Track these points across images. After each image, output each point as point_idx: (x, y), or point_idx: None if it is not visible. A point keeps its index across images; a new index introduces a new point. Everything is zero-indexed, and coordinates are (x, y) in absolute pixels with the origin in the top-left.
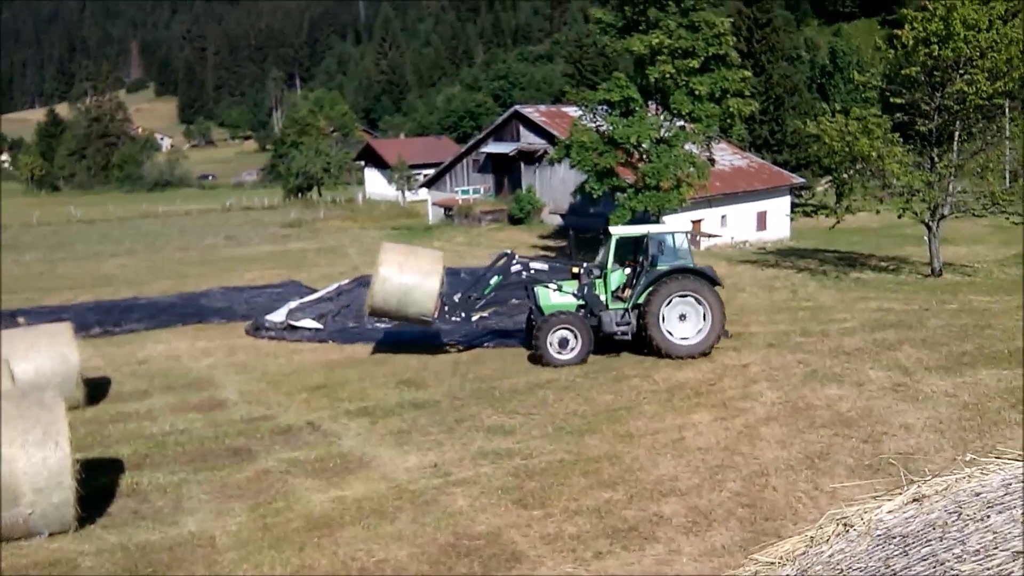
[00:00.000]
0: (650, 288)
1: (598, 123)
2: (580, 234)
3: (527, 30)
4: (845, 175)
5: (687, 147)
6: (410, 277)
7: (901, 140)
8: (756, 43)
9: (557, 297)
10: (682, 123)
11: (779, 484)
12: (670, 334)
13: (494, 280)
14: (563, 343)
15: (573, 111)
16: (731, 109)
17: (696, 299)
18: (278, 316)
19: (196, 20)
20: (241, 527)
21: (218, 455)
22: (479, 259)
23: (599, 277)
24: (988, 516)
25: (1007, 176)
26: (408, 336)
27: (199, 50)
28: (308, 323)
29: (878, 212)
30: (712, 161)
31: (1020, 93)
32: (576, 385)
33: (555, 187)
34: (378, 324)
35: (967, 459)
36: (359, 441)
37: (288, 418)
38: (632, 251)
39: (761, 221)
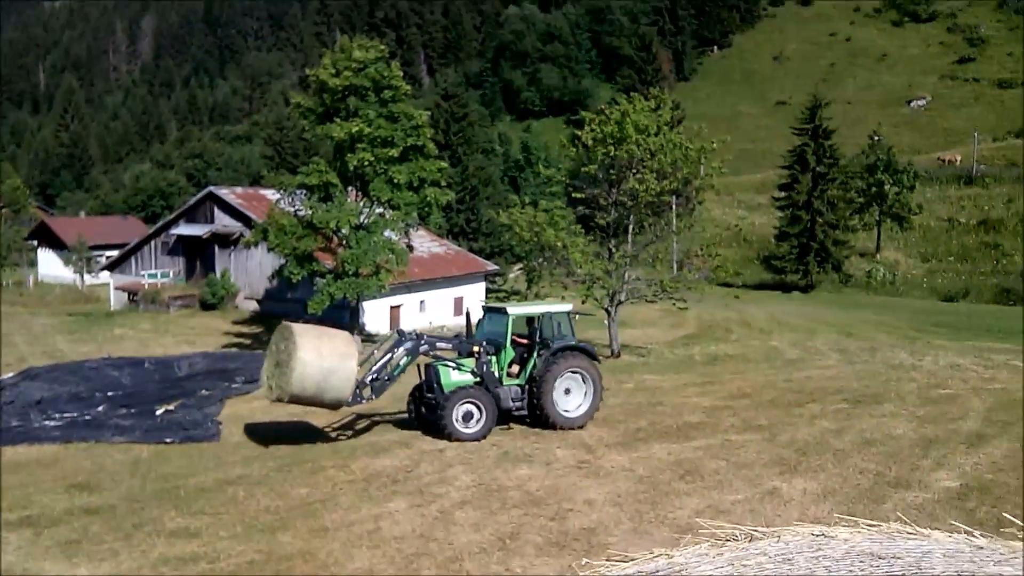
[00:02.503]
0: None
1: (297, 207)
2: (277, 320)
3: (225, 109)
4: (534, 263)
5: (386, 233)
6: (329, 361)
7: (583, 231)
8: (453, 135)
9: (456, 375)
10: (381, 210)
11: (473, 568)
12: (556, 406)
13: (403, 361)
14: (467, 417)
15: (271, 194)
16: (428, 198)
17: (582, 375)
18: None
19: None
20: None
21: None
22: (165, 347)
23: (494, 355)
24: None
25: (674, 266)
26: (78, 435)
27: None
28: None
29: (564, 297)
30: (411, 247)
31: (684, 191)
32: (269, 480)
33: (251, 271)
34: (47, 422)
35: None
36: (20, 556)
37: None
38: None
39: (458, 306)
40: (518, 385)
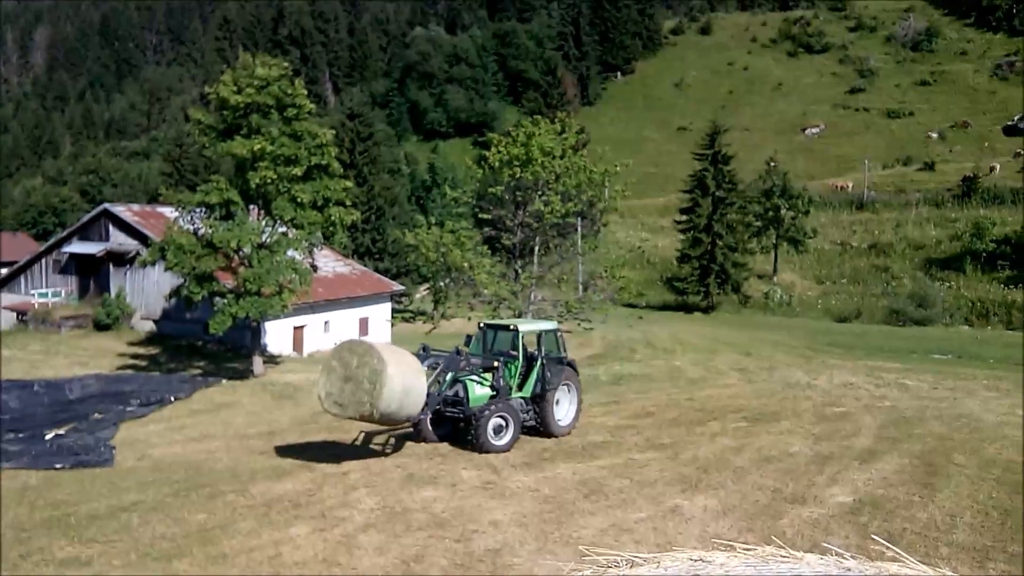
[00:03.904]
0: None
1: (197, 225)
2: (175, 340)
3: (122, 124)
4: (441, 283)
5: (289, 253)
6: (408, 378)
7: (490, 252)
8: (359, 155)
9: (480, 390)
10: (284, 229)
11: None
12: (554, 417)
13: (447, 377)
14: (498, 429)
15: (170, 212)
16: (333, 217)
17: (568, 386)
18: None
19: None
20: None
21: None
22: (56, 369)
23: (511, 370)
24: None
25: (579, 287)
26: None
27: None
28: None
29: (470, 319)
30: (315, 267)
31: (588, 213)
32: (165, 505)
33: (148, 291)
34: None
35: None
36: None
37: None
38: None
39: (363, 327)
40: (522, 398)
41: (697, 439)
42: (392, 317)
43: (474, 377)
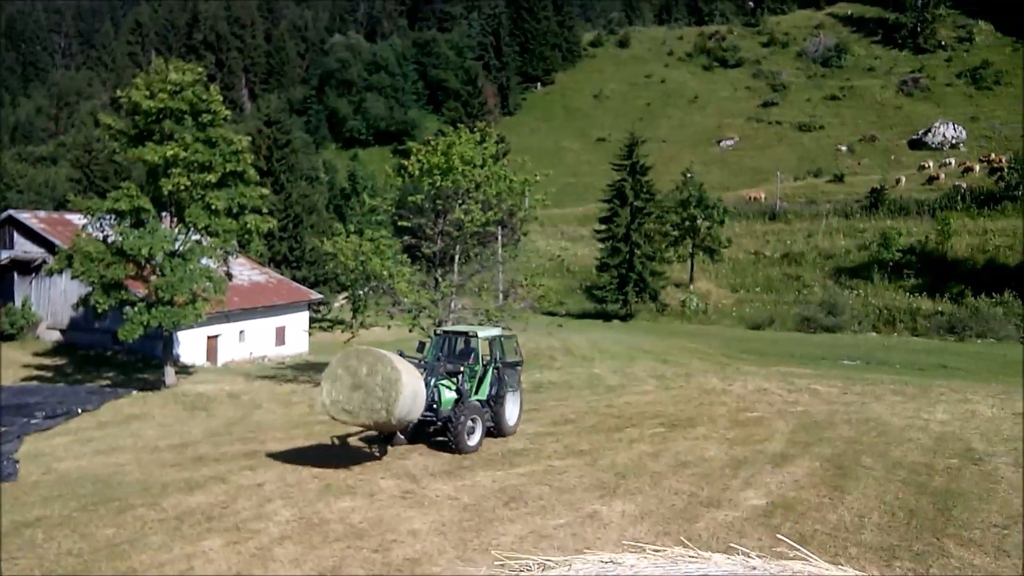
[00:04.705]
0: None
1: (106, 233)
2: (83, 351)
3: (28, 128)
4: (360, 292)
5: (203, 261)
6: (417, 384)
7: (410, 261)
8: (276, 162)
9: (448, 393)
10: (198, 237)
11: None
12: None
13: (432, 381)
14: (470, 431)
15: (78, 219)
16: (249, 225)
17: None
18: None
19: None
20: None
21: None
22: None
23: (472, 375)
24: None
25: (499, 295)
26: None
27: None
28: None
29: (389, 327)
30: (230, 276)
31: (509, 222)
32: (72, 520)
33: (55, 300)
34: None
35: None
36: None
37: None
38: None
39: (280, 336)
40: (479, 400)
41: (615, 445)
42: (310, 326)
43: (445, 382)
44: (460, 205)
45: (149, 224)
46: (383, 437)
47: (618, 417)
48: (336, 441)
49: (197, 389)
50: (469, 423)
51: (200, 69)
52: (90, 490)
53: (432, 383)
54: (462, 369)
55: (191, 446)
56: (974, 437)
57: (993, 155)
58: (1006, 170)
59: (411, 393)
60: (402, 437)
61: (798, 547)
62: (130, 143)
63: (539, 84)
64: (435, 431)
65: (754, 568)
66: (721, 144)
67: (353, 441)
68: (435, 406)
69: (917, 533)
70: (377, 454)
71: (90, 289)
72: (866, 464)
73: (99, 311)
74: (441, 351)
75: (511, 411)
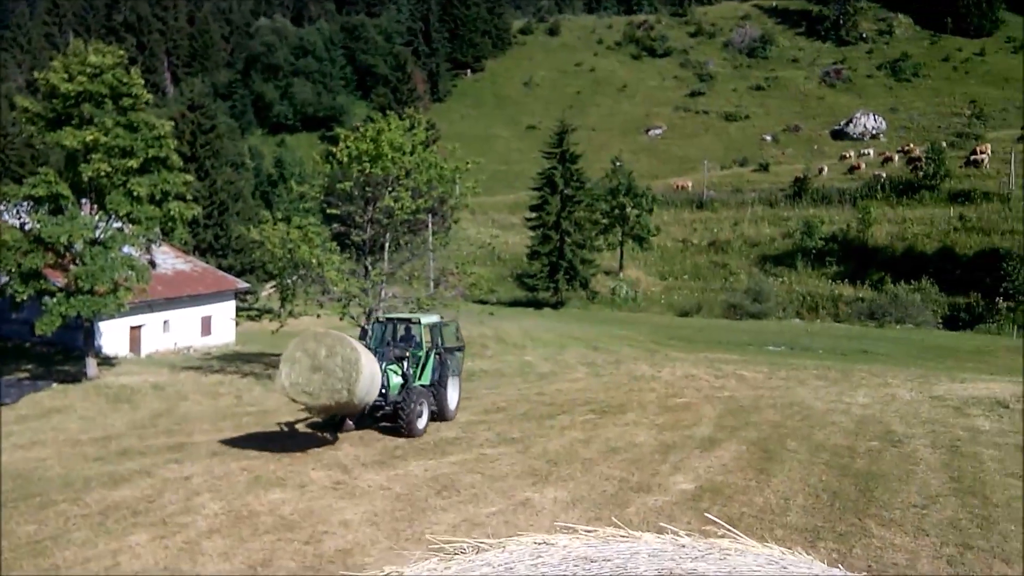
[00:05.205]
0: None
1: (23, 220)
2: (2, 343)
3: None
4: (288, 280)
5: (125, 249)
6: (374, 366)
7: (339, 249)
8: (200, 147)
9: (395, 378)
10: (120, 224)
11: None
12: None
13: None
14: (419, 415)
15: None
16: (172, 212)
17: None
18: None
19: None
20: None
21: None
22: None
23: (415, 360)
24: None
25: (430, 283)
26: None
27: None
28: None
29: (319, 316)
30: (153, 264)
31: (439, 210)
32: None
33: None
34: None
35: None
36: None
37: None
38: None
39: (206, 326)
40: (422, 385)
41: (547, 432)
42: (237, 315)
43: (393, 366)
44: (390, 192)
45: (68, 211)
46: (334, 423)
47: (550, 404)
48: (284, 428)
49: (120, 381)
50: (418, 407)
51: (121, 52)
52: (10, 486)
53: (382, 368)
54: (407, 355)
55: (115, 439)
56: (894, 420)
57: (911, 145)
58: (923, 160)
59: (369, 374)
60: (351, 423)
61: (727, 527)
62: (48, 127)
63: (469, 71)
64: (383, 415)
65: (683, 546)
66: (649, 133)
67: (301, 427)
68: (383, 391)
69: (840, 514)
70: (330, 438)
71: (7, 278)
72: (791, 447)
73: (17, 301)
74: (382, 338)
75: (452, 396)
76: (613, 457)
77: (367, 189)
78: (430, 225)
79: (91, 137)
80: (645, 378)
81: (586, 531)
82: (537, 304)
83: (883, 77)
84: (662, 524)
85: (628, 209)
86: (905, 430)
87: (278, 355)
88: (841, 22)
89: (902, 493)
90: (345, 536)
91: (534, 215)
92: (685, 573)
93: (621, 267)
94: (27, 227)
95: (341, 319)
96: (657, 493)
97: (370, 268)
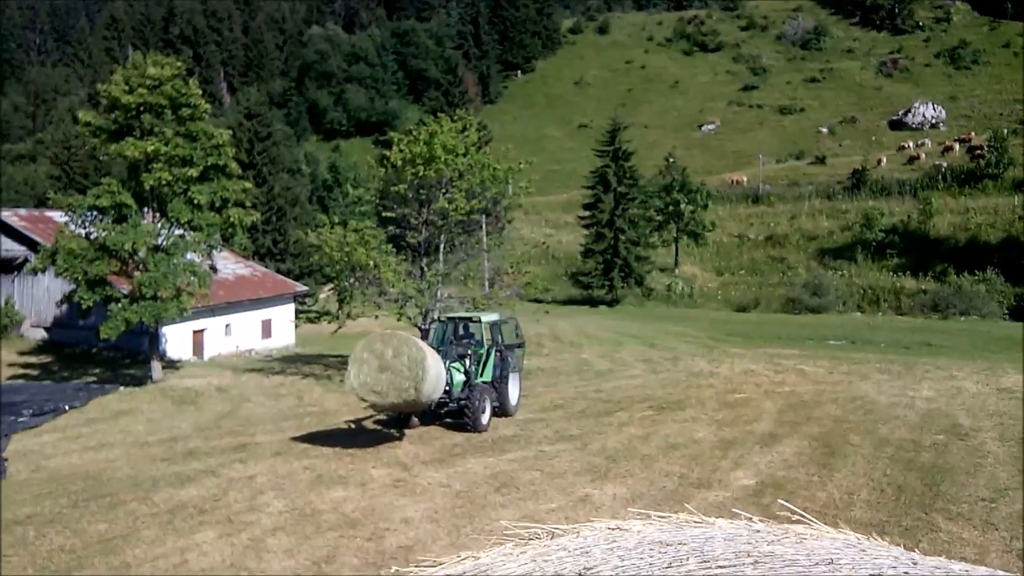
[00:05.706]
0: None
1: (88, 229)
2: (68, 348)
3: (5, 127)
4: (345, 283)
5: (187, 256)
6: (440, 365)
7: (395, 251)
8: (257, 155)
9: (458, 376)
10: (181, 231)
11: None
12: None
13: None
14: (482, 411)
15: (59, 216)
16: (232, 218)
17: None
18: None
19: None
20: None
21: None
22: None
23: (477, 357)
24: None
25: (485, 283)
26: None
27: None
28: None
29: (376, 317)
30: (214, 269)
31: (493, 210)
32: (63, 517)
33: (38, 298)
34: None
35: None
36: None
37: None
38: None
39: (266, 329)
40: (483, 382)
41: (605, 429)
42: (296, 318)
43: (455, 364)
44: (444, 194)
45: (131, 220)
46: (400, 420)
47: (607, 401)
48: (352, 425)
49: (184, 383)
50: (482, 403)
51: (179, 63)
52: (80, 486)
53: (446, 366)
54: (469, 352)
55: (180, 440)
56: (960, 413)
57: (972, 134)
58: (985, 149)
59: (435, 373)
60: (416, 420)
61: (801, 512)
62: (110, 139)
63: (519, 72)
64: (447, 412)
65: (758, 531)
66: (703, 128)
67: (368, 424)
68: (447, 388)
69: (906, 508)
70: (397, 435)
71: (74, 286)
72: (854, 442)
73: (84, 308)
74: (443, 337)
75: (513, 391)
76: (672, 453)
77: (421, 191)
78: (484, 225)
79: (152, 147)
80: (703, 374)
81: (660, 517)
82: (592, 302)
83: (941, 65)
84: (735, 511)
85: (682, 205)
86: (972, 423)
87: (337, 356)
88: (896, 11)
89: (970, 487)
90: (406, 533)
91: (587, 213)
92: (763, 555)
93: (676, 263)
94: (92, 236)
95: (398, 319)
96: (718, 489)
97: (426, 269)
